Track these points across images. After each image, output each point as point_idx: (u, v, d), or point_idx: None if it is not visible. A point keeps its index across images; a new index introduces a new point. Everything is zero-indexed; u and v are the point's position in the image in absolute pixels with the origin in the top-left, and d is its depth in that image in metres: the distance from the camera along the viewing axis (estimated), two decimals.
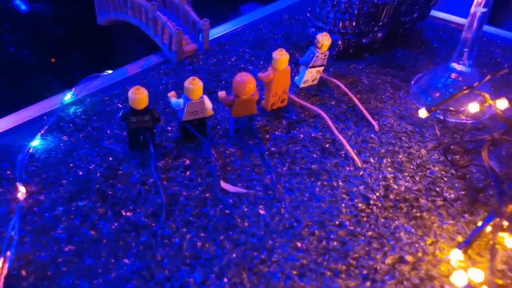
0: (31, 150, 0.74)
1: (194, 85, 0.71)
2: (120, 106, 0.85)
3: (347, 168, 0.74)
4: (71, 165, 0.72)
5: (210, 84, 0.91)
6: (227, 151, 0.76)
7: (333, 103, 0.88)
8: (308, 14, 1.16)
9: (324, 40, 0.86)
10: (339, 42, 0.98)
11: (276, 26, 1.14)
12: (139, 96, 0.69)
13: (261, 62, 0.99)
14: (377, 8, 0.97)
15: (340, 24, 0.97)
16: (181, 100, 0.73)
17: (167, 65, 0.98)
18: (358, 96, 0.90)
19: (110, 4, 1.08)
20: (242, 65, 0.98)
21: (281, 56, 0.79)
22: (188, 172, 0.72)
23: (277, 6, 1.25)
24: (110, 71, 0.96)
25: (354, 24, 0.97)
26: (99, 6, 1.13)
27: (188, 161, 0.73)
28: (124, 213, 0.64)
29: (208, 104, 0.75)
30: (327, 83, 0.92)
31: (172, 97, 0.74)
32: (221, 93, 0.76)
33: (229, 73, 0.95)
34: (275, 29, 1.13)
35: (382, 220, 0.65)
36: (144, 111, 0.71)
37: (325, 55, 0.88)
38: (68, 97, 0.86)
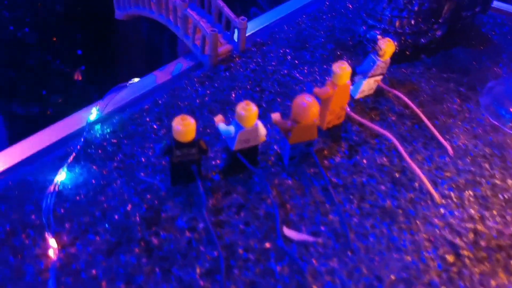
0: (57, 187, 0.64)
1: (248, 111, 0.60)
2: (155, 127, 0.74)
3: (425, 205, 0.63)
4: (105, 205, 0.62)
5: (252, 96, 0.80)
6: (283, 184, 0.65)
7: (394, 118, 0.77)
8: (350, 6, 1.04)
9: (388, 47, 0.74)
10: (395, 43, 0.86)
11: (316, 20, 1.02)
12: (185, 128, 0.58)
13: (306, 67, 0.88)
14: (438, 3, 0.85)
15: (397, 23, 0.85)
16: (232, 128, 0.62)
17: (200, 71, 0.87)
18: (421, 109, 0.79)
19: None
20: (285, 71, 0.86)
21: (343, 71, 0.68)
22: (242, 213, 0.61)
23: None
24: (136, 79, 0.85)
25: (413, 22, 0.85)
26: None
27: (240, 198, 0.63)
28: (174, 272, 0.54)
29: (262, 130, 0.64)
30: (384, 93, 0.81)
31: (220, 122, 0.63)
32: (276, 116, 0.65)
33: (271, 80, 0.84)
34: (315, 23, 1.01)
35: (478, 276, 0.55)
36: (190, 143, 0.60)
37: (386, 63, 0.76)
38: (93, 115, 0.75)
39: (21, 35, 1.54)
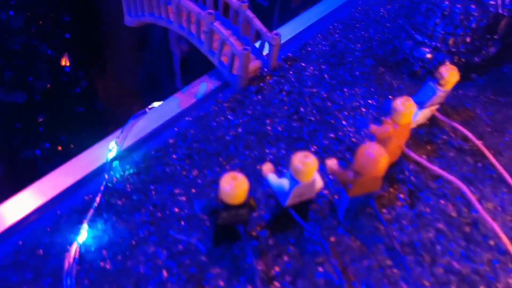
0: (78, 251, 0.54)
1: (307, 166, 0.51)
2: (186, 167, 0.64)
3: (505, 268, 0.55)
4: (137, 274, 0.52)
5: (291, 125, 0.71)
6: (341, 242, 0.57)
7: (452, 154, 0.68)
8: (385, 12, 0.94)
9: (451, 76, 0.65)
10: (447, 63, 0.77)
11: (349, 28, 0.92)
12: (237, 191, 0.48)
13: (346, 88, 0.78)
14: (496, 18, 0.76)
15: (451, 41, 0.76)
16: (285, 183, 0.53)
17: (228, 93, 0.77)
18: (482, 141, 0.70)
19: (145, 4, 0.85)
20: (323, 94, 0.77)
21: (408, 109, 0.59)
22: (299, 283, 0.52)
23: None
24: (157, 104, 0.74)
25: (468, 40, 0.76)
26: (128, 4, 0.89)
27: (293, 262, 0.54)
28: None
29: (319, 183, 0.55)
30: (437, 122, 0.72)
31: (269, 173, 0.54)
32: (332, 164, 0.56)
33: (310, 105, 0.74)
34: (349, 33, 0.90)
35: None
36: (241, 204, 0.50)
37: (446, 93, 0.67)
38: (112, 152, 0.65)
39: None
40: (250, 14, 0.79)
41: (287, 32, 0.90)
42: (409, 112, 0.59)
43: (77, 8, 1.51)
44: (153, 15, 0.85)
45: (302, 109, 0.74)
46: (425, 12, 0.76)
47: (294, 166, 0.51)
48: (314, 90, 0.77)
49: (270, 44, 0.78)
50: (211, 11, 0.75)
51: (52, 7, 1.49)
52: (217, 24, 0.75)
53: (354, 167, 0.54)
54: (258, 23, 0.79)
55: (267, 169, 0.54)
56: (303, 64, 0.83)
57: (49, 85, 1.67)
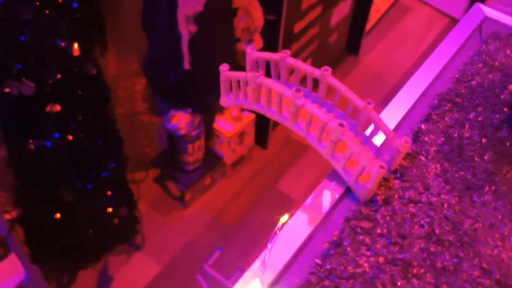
0: None
1: None
2: None
3: None
4: None
5: (429, 250, 0.69)
6: None
7: None
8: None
9: None
10: None
11: (458, 108, 0.88)
12: None
13: (474, 196, 0.75)
14: None
15: None
16: None
17: (352, 203, 0.74)
18: None
19: (253, 94, 0.80)
20: (454, 204, 0.74)
21: None
22: None
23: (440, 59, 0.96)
24: (284, 219, 0.72)
25: None
26: (228, 88, 0.84)
27: None
28: None
29: None
30: None
31: None
32: None
33: (443, 219, 0.72)
34: (459, 114, 0.86)
35: None
36: None
37: None
38: None
39: None
40: (376, 117, 0.75)
41: (390, 115, 0.86)
42: None
43: None
44: (261, 106, 0.81)
45: (436, 226, 0.71)
46: None
47: None
48: (443, 197, 0.75)
49: (397, 151, 0.74)
50: (342, 122, 0.71)
51: None
52: (348, 134, 0.71)
53: None
54: (384, 127, 0.75)
55: None
56: (422, 159, 0.79)
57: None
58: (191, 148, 2.25)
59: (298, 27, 2.33)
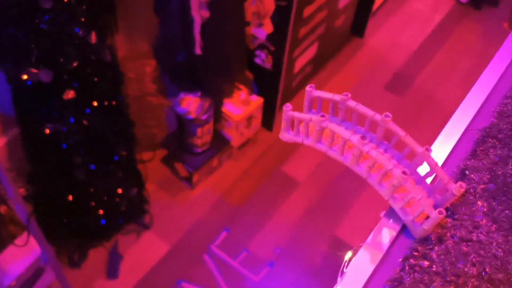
0: None
1: None
2: None
3: None
4: None
5: None
6: None
7: None
8: None
9: None
10: None
11: (502, 144, 0.93)
12: None
13: None
14: None
15: None
16: None
17: (407, 240, 0.80)
18: None
19: (315, 135, 0.84)
20: (503, 243, 0.81)
21: None
22: None
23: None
24: (348, 256, 0.78)
25: None
26: (289, 124, 0.88)
27: None
28: None
29: None
30: None
31: None
32: None
33: (492, 257, 0.79)
34: (503, 151, 0.92)
35: None
36: None
37: None
38: None
39: None
40: (432, 161, 0.80)
41: (437, 151, 0.91)
42: None
43: None
44: (323, 146, 0.85)
45: (486, 264, 0.78)
46: None
47: None
48: (491, 236, 0.81)
49: (451, 193, 0.80)
50: (406, 170, 0.76)
51: None
52: (411, 181, 0.76)
53: None
54: (440, 171, 0.80)
55: None
56: (470, 197, 0.85)
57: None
58: (200, 132, 2.28)
59: (307, 11, 2.34)
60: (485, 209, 0.84)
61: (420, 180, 0.84)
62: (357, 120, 0.86)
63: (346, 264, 0.77)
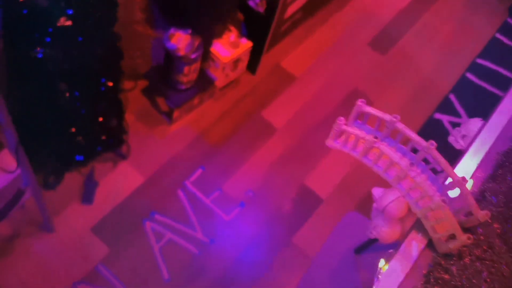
0: None
1: None
2: None
3: None
4: None
5: None
6: None
7: None
8: None
9: None
10: None
11: None
12: None
13: None
14: None
15: None
16: None
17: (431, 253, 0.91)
18: None
19: (362, 150, 0.90)
20: None
21: None
22: None
23: None
24: (382, 265, 0.88)
25: None
26: (336, 134, 0.93)
27: None
28: None
29: None
30: None
31: None
32: None
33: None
34: None
35: None
36: None
37: None
38: None
39: None
40: (466, 190, 0.89)
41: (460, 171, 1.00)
42: None
43: None
44: (369, 161, 0.92)
45: (496, 282, 0.90)
46: None
47: None
48: (502, 256, 0.93)
49: (476, 219, 0.90)
50: (444, 198, 0.85)
51: None
52: (448, 209, 0.86)
53: None
54: (471, 199, 0.89)
55: None
56: (488, 220, 0.96)
57: None
58: (187, 70, 2.26)
59: None
60: (499, 231, 0.95)
61: (450, 201, 0.93)
62: (400, 139, 0.93)
63: (379, 271, 0.87)
